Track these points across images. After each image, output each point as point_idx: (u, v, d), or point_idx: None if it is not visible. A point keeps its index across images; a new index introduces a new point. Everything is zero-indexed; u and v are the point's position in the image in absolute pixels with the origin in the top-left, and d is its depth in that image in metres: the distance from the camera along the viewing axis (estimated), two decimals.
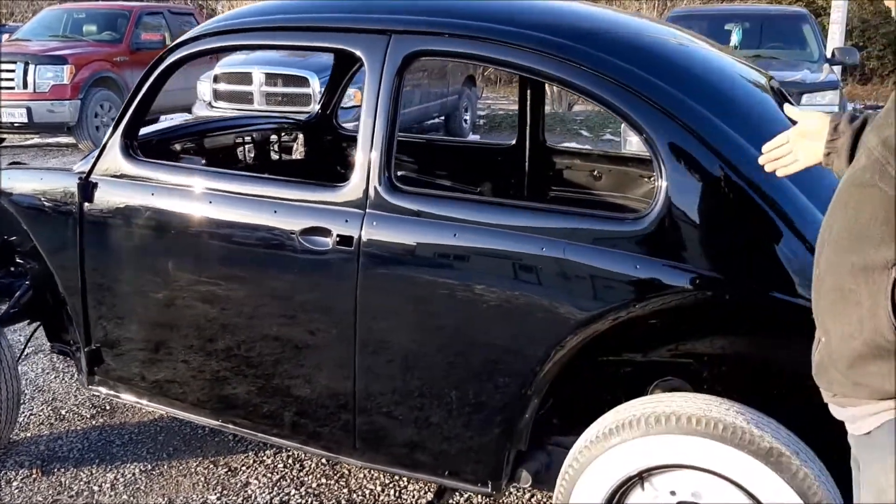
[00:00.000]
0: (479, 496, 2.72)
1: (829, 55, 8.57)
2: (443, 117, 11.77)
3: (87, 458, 3.03)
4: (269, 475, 2.93)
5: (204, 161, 2.87)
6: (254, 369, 2.39)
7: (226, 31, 2.40)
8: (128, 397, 2.68)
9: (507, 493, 2.74)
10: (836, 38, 13.34)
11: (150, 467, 2.97)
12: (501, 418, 2.11)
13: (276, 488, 2.85)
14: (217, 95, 9.52)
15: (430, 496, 2.76)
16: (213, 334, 2.42)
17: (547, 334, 2.02)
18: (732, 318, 2.02)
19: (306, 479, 2.91)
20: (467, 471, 2.19)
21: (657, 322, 2.04)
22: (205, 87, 9.61)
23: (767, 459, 1.85)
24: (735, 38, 8.78)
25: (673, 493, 2.00)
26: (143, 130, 2.74)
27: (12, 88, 10.21)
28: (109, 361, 2.65)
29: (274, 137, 3.44)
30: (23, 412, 3.35)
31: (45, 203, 2.63)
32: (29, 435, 3.20)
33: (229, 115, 5.80)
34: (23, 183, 2.70)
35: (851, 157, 1.56)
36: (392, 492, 2.80)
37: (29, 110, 10.12)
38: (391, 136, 2.14)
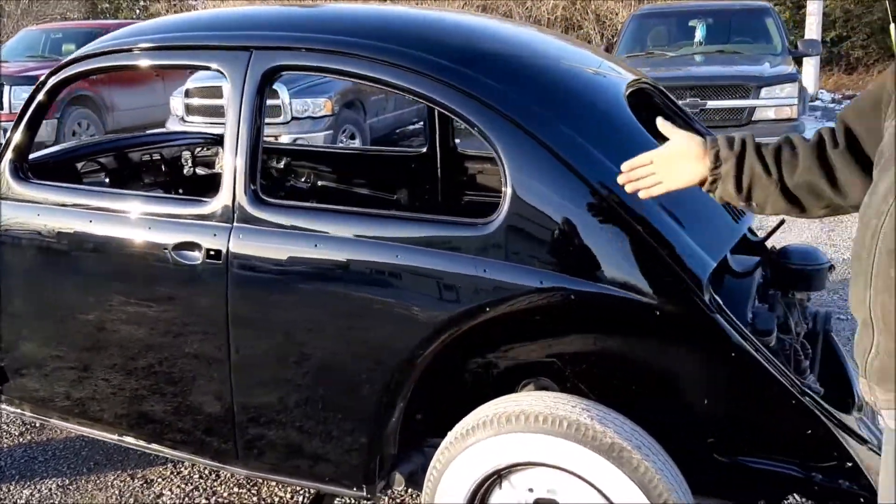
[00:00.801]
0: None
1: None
2: (422, 122, 11.81)
3: (8, 475, 3.08)
4: (182, 486, 2.97)
5: (108, 180, 2.92)
6: (140, 385, 2.44)
7: (102, 52, 2.46)
8: (32, 415, 2.73)
9: (387, 496, 2.77)
10: (812, 29, 13.34)
11: (67, 482, 3.02)
12: (369, 423, 2.15)
13: (187, 498, 2.89)
14: (189, 110, 9.60)
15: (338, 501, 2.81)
16: (102, 352, 2.47)
17: (406, 340, 2.06)
18: (580, 317, 2.06)
19: (219, 488, 2.96)
20: (342, 475, 2.23)
21: (514, 323, 2.08)
22: (177, 103, 9.68)
23: (610, 455, 1.88)
24: (699, 35, 8.83)
25: (531, 490, 2.04)
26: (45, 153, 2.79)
27: None
28: (13, 380, 2.70)
29: (187, 154, 3.49)
30: None
31: None
32: None
33: (149, 133, 5.87)
34: None
35: (738, 183, 1.58)
36: (301, 498, 2.84)
37: (6, 131, 10.22)
38: (255, 150, 2.19)
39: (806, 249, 2.38)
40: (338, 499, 2.74)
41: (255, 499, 2.88)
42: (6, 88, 10.29)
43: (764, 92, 7.30)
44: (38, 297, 2.54)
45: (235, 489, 2.95)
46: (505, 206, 1.98)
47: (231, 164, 2.20)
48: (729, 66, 7.94)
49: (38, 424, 3.44)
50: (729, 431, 2.08)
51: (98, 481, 3.03)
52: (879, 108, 1.46)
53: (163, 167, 3.37)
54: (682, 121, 2.76)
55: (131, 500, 2.89)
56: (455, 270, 2.00)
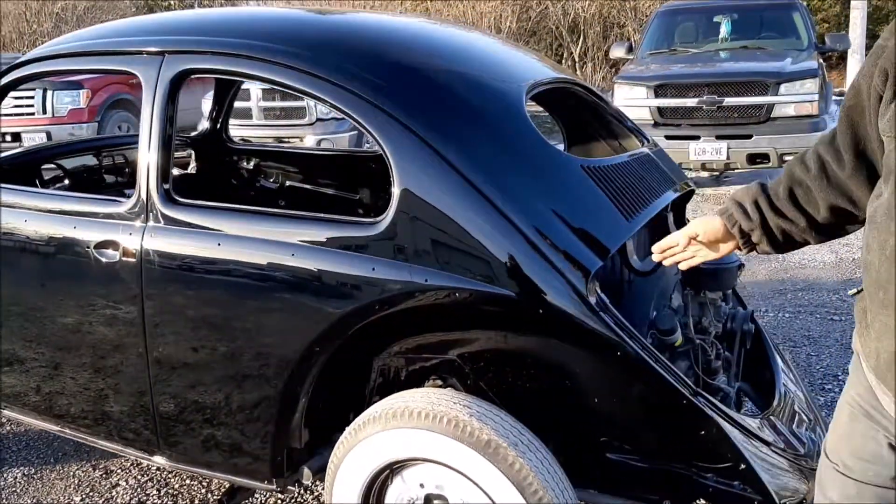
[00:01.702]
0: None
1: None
2: None
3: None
4: (139, 477, 3.07)
5: (68, 182, 3.04)
6: (73, 379, 2.53)
7: (39, 58, 2.56)
8: None
9: (307, 491, 2.80)
10: (857, 23, 12.96)
11: (33, 471, 3.15)
12: (274, 417, 2.20)
13: (140, 489, 2.99)
14: None
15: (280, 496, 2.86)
16: (40, 347, 2.57)
17: (303, 337, 2.09)
18: (467, 316, 2.07)
19: (172, 480, 3.05)
20: (254, 469, 2.29)
21: (407, 322, 2.10)
22: (207, 106, 9.90)
23: (486, 451, 1.89)
24: (724, 31, 8.67)
25: (422, 485, 2.06)
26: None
27: (33, 114, 10.80)
28: None
29: None
30: None
31: None
32: None
33: (118, 135, 6.01)
34: None
35: (775, 244, 1.60)
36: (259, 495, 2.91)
37: (49, 135, 10.64)
38: (167, 150, 2.26)
39: None
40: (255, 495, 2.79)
41: (203, 490, 2.96)
42: (48, 93, 10.69)
43: (783, 88, 7.14)
44: None
45: (188, 481, 3.03)
46: (392, 205, 2.00)
47: (144, 163, 2.27)
48: (748, 62, 7.78)
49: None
50: (621, 431, 2.07)
51: (62, 471, 3.15)
52: (864, 110, 1.39)
53: (126, 169, 3.48)
54: (615, 120, 2.74)
55: (87, 490, 3.00)
56: (347, 269, 2.04)
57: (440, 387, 2.20)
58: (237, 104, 9.49)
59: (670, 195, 2.38)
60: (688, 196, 2.65)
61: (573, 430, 2.12)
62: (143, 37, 2.36)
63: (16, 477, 3.12)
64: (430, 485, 2.04)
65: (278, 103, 9.46)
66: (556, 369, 2.09)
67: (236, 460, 2.31)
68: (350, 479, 2.10)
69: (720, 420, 1.97)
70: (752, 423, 2.07)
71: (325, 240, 2.06)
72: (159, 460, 2.46)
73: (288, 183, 3.70)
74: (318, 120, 9.18)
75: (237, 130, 9.84)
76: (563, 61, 17.69)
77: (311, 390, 2.17)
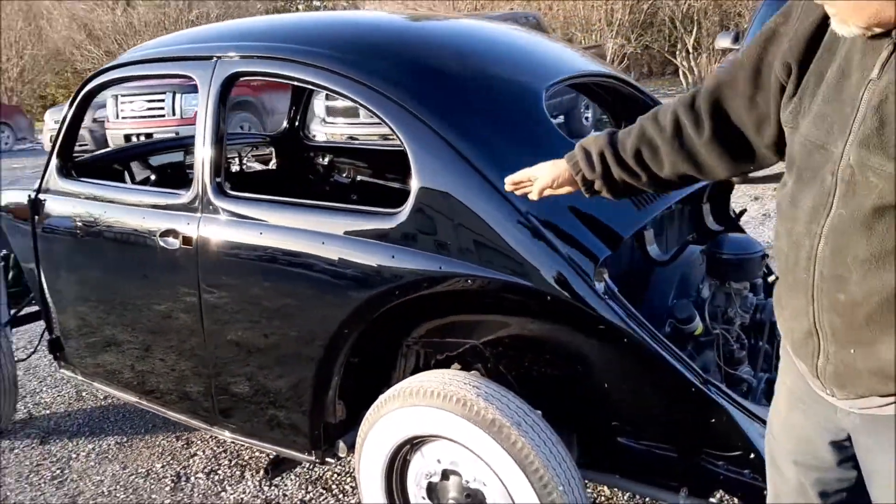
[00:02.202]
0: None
1: None
2: (562, 116, 11.78)
3: (81, 432, 3.59)
4: (214, 448, 3.34)
5: (154, 177, 3.33)
6: (149, 355, 2.80)
7: (117, 65, 2.84)
8: (82, 379, 3.19)
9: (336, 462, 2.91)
10: None
11: (125, 440, 3.48)
12: (311, 394, 2.37)
13: (214, 459, 3.25)
14: (330, 112, 10.25)
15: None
16: (121, 326, 2.86)
17: (332, 319, 2.25)
18: (482, 302, 2.16)
19: (243, 452, 3.30)
20: (295, 441, 2.47)
21: (427, 307, 2.22)
22: (319, 105, 10.33)
23: (490, 429, 1.99)
24: None
25: (438, 460, 2.17)
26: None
27: (164, 116, 11.61)
28: (67, 349, 3.17)
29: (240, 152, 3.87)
30: (52, 394, 3.99)
31: (13, 216, 3.20)
32: (50, 412, 3.81)
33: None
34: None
35: (616, 191, 1.68)
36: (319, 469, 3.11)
37: (177, 134, 11.39)
38: (218, 147, 2.46)
39: (739, 239, 2.33)
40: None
41: (265, 461, 3.18)
42: (177, 96, 11.45)
43: None
44: (75, 277, 2.98)
45: (256, 454, 3.27)
46: (411, 196, 2.13)
47: (199, 159, 2.49)
48: None
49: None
50: (631, 416, 2.11)
51: (149, 440, 3.46)
52: (759, 81, 1.41)
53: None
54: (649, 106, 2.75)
55: (168, 458, 3.29)
56: (369, 256, 2.18)
57: (459, 370, 2.30)
58: (349, 102, 9.87)
59: (692, 186, 2.38)
60: (726, 188, 2.63)
61: (587, 415, 2.17)
62: (199, 43, 2.59)
63: (110, 444, 3.45)
64: (445, 460, 2.16)
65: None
66: (568, 355, 2.15)
67: (279, 432, 2.50)
68: (375, 452, 2.24)
69: (731, 409, 1.98)
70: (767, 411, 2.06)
71: (350, 230, 2.21)
72: (218, 431, 2.69)
73: (359, 178, 3.89)
74: None
75: (346, 129, 10.23)
76: (678, 53, 17.27)
77: (342, 370, 2.32)
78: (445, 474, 2.18)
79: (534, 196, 1.80)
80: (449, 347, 2.35)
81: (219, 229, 2.45)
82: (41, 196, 3.05)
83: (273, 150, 4.00)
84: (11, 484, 3.16)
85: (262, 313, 2.41)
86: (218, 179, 2.47)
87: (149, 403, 2.93)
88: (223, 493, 3.00)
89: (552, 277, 1.98)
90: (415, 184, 2.13)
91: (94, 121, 13.43)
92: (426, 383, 2.10)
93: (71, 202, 2.93)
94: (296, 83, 2.37)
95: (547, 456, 1.96)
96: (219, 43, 2.54)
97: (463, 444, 2.06)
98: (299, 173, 3.96)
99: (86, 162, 3.29)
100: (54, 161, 3.01)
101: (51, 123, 14.15)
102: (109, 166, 3.35)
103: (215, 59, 2.49)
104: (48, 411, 3.84)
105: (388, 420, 2.18)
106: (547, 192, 1.78)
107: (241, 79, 2.48)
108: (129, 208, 2.72)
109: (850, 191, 1.19)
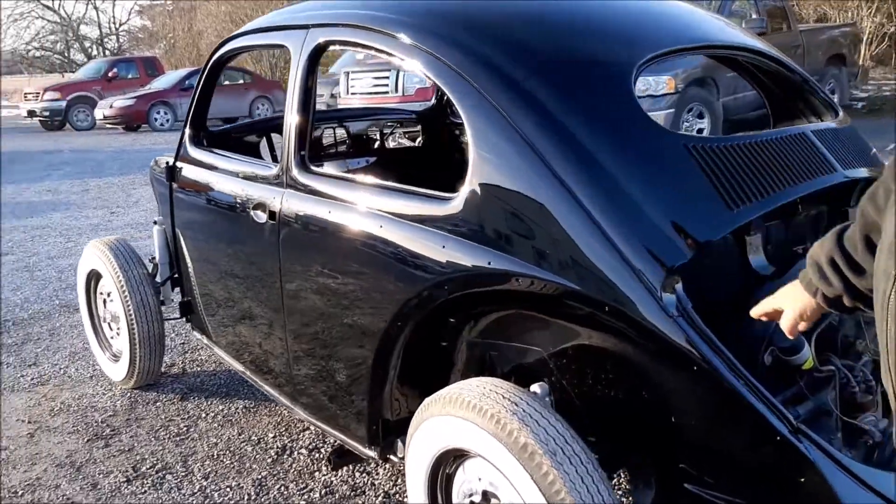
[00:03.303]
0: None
1: None
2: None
3: (219, 393, 3.72)
4: None
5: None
6: (247, 327, 2.80)
7: (236, 35, 2.84)
8: (207, 343, 3.28)
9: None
10: None
11: (252, 406, 3.55)
12: (369, 386, 2.22)
13: (319, 437, 3.22)
14: None
15: None
16: (228, 294, 2.88)
17: (387, 309, 2.08)
18: (535, 305, 1.88)
19: None
20: (355, 432, 2.34)
21: (478, 302, 1.98)
22: None
23: (521, 455, 1.72)
24: None
25: (479, 479, 1.94)
26: None
27: (387, 92, 12.05)
28: (196, 311, 3.27)
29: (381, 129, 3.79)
30: (207, 353, 4.20)
31: (157, 180, 3.35)
32: (199, 370, 4.01)
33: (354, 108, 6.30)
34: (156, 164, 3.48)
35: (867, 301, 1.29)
36: None
37: (393, 112, 11.85)
38: (304, 119, 2.37)
39: None
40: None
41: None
42: (399, 74, 11.81)
43: None
44: (196, 243, 3.06)
45: None
46: (466, 182, 1.89)
47: (286, 132, 2.41)
48: None
49: None
50: (701, 459, 1.73)
51: (272, 409, 3.51)
52: None
53: (348, 140, 3.72)
54: (804, 89, 2.27)
55: (283, 428, 3.31)
56: (420, 243, 1.98)
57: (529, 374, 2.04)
58: None
59: (817, 183, 1.91)
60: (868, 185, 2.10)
61: (650, 449, 1.83)
62: (296, 13, 2.50)
63: (238, 408, 3.54)
64: (485, 480, 1.91)
65: None
66: (634, 378, 1.82)
67: (344, 420, 2.38)
68: (418, 460, 2.05)
69: (827, 468, 1.56)
70: (882, 476, 1.60)
71: (406, 213, 2.02)
72: (296, 409, 2.63)
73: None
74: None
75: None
76: None
77: (399, 364, 2.15)
78: (486, 495, 1.93)
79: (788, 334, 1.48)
80: (512, 354, 2.09)
81: (297, 204, 2.36)
82: (178, 164, 3.16)
83: (420, 126, 3.88)
84: (141, 436, 3.34)
85: (329, 296, 2.29)
86: (302, 153, 2.38)
87: (251, 374, 2.94)
88: (316, 473, 2.95)
89: (611, 285, 1.67)
90: (470, 168, 1.89)
91: (332, 96, 14.33)
92: (464, 392, 1.87)
93: (195, 170, 3.00)
94: (378, 53, 2.20)
95: (582, 495, 1.66)
96: (313, 12, 2.43)
97: (494, 465, 1.81)
98: (444, 151, 3.81)
99: (219, 132, 3.36)
100: (187, 130, 3.09)
101: None
102: (243, 138, 3.41)
103: (308, 28, 2.39)
104: (198, 369, 4.04)
105: (427, 427, 1.98)
106: (802, 327, 1.44)
107: (330, 48, 2.36)
108: (234, 179, 2.72)
109: None
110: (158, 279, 3.57)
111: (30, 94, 22.78)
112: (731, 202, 1.73)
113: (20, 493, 2.95)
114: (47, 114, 21.80)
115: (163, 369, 3.98)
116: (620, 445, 1.91)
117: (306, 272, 2.36)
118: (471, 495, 1.96)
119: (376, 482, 2.86)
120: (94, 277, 3.79)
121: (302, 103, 2.37)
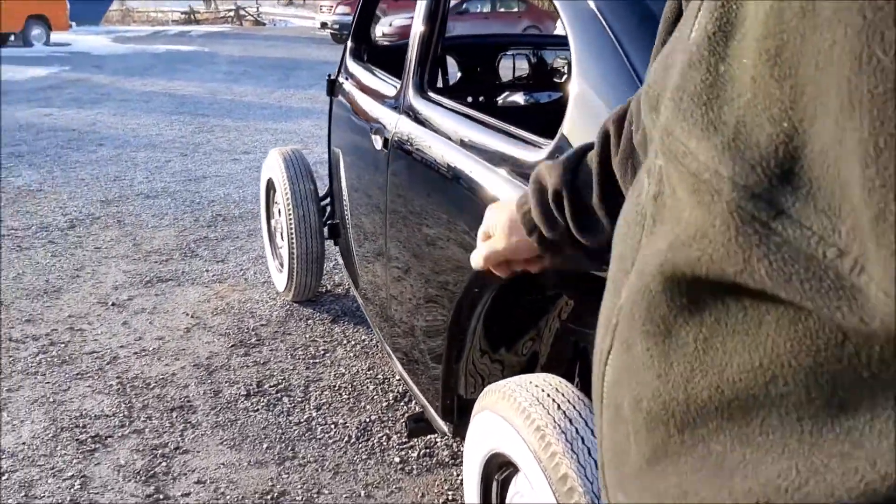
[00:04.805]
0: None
1: None
2: None
3: (367, 321, 3.58)
4: None
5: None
6: (361, 259, 2.58)
7: None
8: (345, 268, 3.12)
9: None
10: None
11: (372, 343, 3.36)
12: (446, 354, 1.91)
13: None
14: None
15: None
16: (356, 222, 2.67)
17: (466, 269, 1.74)
18: None
19: None
20: (435, 402, 2.05)
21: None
22: None
23: (559, 486, 1.33)
24: None
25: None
26: None
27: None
28: (342, 235, 3.12)
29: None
30: None
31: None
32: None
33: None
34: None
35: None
36: None
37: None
38: (429, 41, 2.04)
39: None
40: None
41: None
42: None
43: None
44: (340, 160, 2.87)
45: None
46: (562, 127, 1.48)
47: (410, 48, 2.10)
48: None
49: None
50: None
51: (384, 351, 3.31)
52: None
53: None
54: None
55: (381, 373, 3.09)
56: (506, 193, 1.60)
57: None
58: None
59: None
60: None
61: None
62: None
63: (361, 341, 3.37)
64: (525, 497, 1.55)
65: None
66: None
67: (423, 384, 2.10)
68: (471, 456, 1.72)
69: None
70: None
71: (497, 157, 1.64)
72: (390, 352, 2.39)
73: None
74: None
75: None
76: None
77: (475, 338, 1.81)
78: None
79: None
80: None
81: (408, 132, 2.06)
82: (339, 78, 2.97)
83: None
84: (280, 351, 3.29)
85: (422, 240, 1.99)
86: (419, 78, 2.06)
87: (364, 309, 2.74)
88: None
89: None
90: (568, 111, 1.47)
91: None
92: (518, 390, 1.50)
93: (348, 85, 2.80)
94: None
95: None
96: None
97: (532, 487, 1.44)
98: None
99: (383, 48, 3.12)
100: (349, 43, 2.89)
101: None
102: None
103: None
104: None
105: (481, 420, 1.63)
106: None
107: None
108: (367, 98, 2.48)
109: None
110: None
111: (324, 6, 24.20)
112: None
113: (151, 385, 3.01)
114: (337, 27, 23.07)
115: (329, 288, 3.94)
116: None
117: (406, 208, 2.07)
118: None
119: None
120: (271, 186, 3.79)
121: (429, 13, 2.04)
